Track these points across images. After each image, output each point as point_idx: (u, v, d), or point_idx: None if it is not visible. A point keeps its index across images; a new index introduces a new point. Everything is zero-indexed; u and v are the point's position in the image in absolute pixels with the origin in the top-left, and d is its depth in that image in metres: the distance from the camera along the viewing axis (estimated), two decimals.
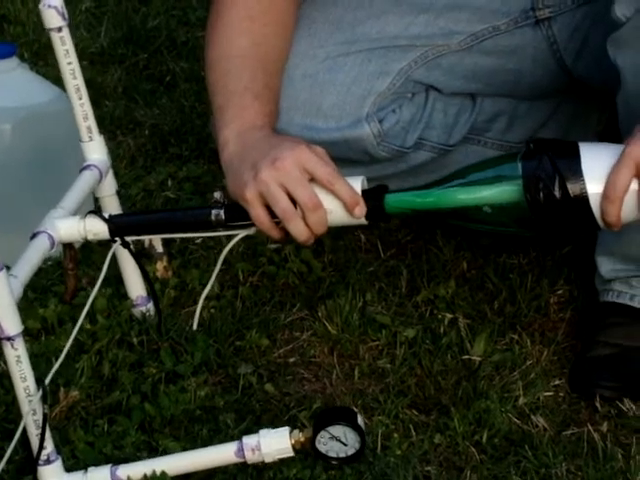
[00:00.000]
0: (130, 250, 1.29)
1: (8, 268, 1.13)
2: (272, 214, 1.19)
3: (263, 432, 1.21)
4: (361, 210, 1.18)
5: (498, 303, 1.50)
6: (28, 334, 1.42)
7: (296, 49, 1.40)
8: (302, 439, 1.20)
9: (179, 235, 1.28)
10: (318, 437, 1.19)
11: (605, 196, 1.12)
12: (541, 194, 1.13)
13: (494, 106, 1.53)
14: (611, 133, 1.53)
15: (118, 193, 1.42)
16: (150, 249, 1.46)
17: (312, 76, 1.40)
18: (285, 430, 1.21)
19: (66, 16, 1.31)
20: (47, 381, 1.16)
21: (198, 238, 1.59)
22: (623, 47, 1.28)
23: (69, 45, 1.32)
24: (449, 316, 1.48)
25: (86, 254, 1.55)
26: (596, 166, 1.13)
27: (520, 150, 1.16)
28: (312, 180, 1.19)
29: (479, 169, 1.19)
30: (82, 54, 2.06)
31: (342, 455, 1.21)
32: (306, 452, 1.23)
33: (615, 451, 1.27)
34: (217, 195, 1.22)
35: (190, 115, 1.94)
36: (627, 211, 1.13)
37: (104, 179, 1.38)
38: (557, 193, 1.13)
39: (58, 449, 1.20)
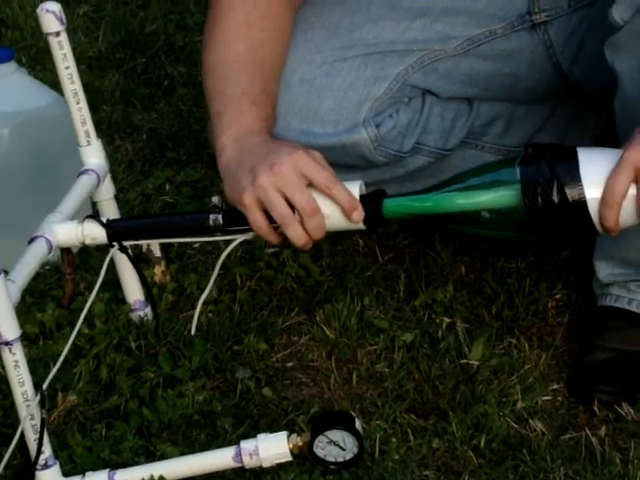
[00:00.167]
0: (128, 255, 1.29)
1: (6, 272, 1.13)
2: (270, 219, 1.19)
3: (261, 437, 1.21)
4: (359, 215, 1.18)
5: (496, 307, 1.50)
6: (26, 339, 1.42)
7: (293, 54, 1.40)
8: (300, 443, 1.20)
9: (177, 240, 1.28)
10: (316, 442, 1.19)
11: (603, 201, 1.12)
12: (539, 199, 1.13)
13: (491, 110, 1.53)
14: (608, 137, 1.53)
15: (116, 197, 1.42)
16: (148, 253, 1.46)
17: (309, 81, 1.41)
18: (283, 435, 1.21)
19: (64, 20, 1.32)
20: (45, 386, 1.16)
21: (196, 243, 1.59)
22: (620, 51, 1.28)
23: (67, 49, 1.33)
24: (447, 320, 1.48)
25: (84, 258, 1.55)
26: (594, 171, 1.13)
27: (518, 154, 1.16)
28: (310, 185, 1.19)
29: (477, 174, 1.19)
30: (80, 58, 2.06)
31: (340, 460, 1.21)
32: (304, 457, 1.23)
33: (613, 455, 1.27)
34: (215, 200, 1.22)
35: (188, 119, 1.94)
36: (625, 216, 1.13)
37: (102, 183, 1.39)
38: (555, 198, 1.13)
39: (56, 454, 1.20)
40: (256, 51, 1.33)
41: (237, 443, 1.21)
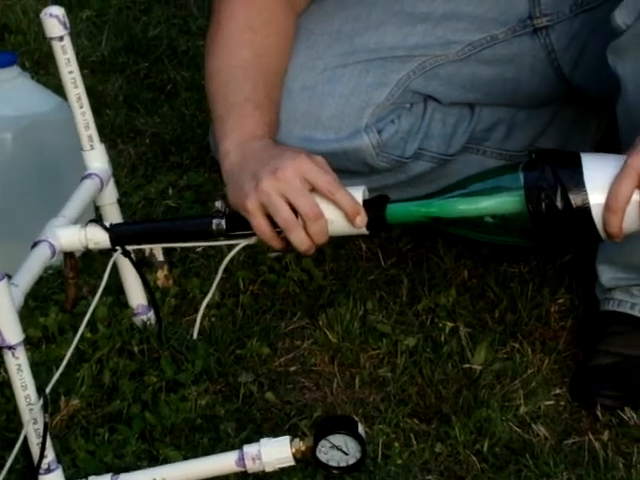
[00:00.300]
0: (131, 259, 1.29)
1: (9, 277, 1.13)
2: (273, 224, 1.19)
3: (264, 441, 1.21)
4: (362, 220, 1.18)
5: (499, 312, 1.50)
6: (29, 343, 1.42)
7: (294, 61, 1.40)
8: (303, 448, 1.20)
9: (180, 244, 1.28)
10: (319, 446, 1.19)
11: (607, 207, 1.12)
12: (543, 205, 1.13)
13: (492, 115, 1.53)
14: (610, 141, 1.54)
15: (119, 202, 1.42)
16: (151, 258, 1.46)
17: (311, 88, 1.41)
18: (286, 439, 1.21)
19: (67, 25, 1.32)
20: (48, 390, 1.16)
21: (199, 247, 1.59)
22: (623, 55, 1.28)
23: (70, 54, 1.33)
24: (450, 325, 1.48)
25: (87, 263, 1.55)
26: (598, 177, 1.13)
27: (522, 160, 1.17)
28: (313, 190, 1.19)
29: (480, 179, 1.19)
30: (83, 63, 2.07)
31: (343, 464, 1.20)
32: (307, 461, 1.22)
33: (616, 460, 1.27)
34: (218, 204, 1.22)
35: (191, 124, 1.94)
36: (629, 222, 1.13)
37: (105, 188, 1.39)
38: (559, 204, 1.13)
39: (59, 458, 1.20)
40: (260, 57, 1.33)
41: (240, 447, 1.21)
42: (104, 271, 1.24)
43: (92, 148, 1.37)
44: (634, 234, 1.15)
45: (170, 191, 1.77)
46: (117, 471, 1.23)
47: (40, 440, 1.16)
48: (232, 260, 1.26)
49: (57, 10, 1.31)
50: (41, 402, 1.15)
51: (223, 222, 1.21)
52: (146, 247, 1.37)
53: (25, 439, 1.16)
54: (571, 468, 1.27)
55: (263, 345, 1.45)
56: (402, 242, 1.64)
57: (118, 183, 1.46)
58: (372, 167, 1.43)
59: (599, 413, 1.34)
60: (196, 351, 1.43)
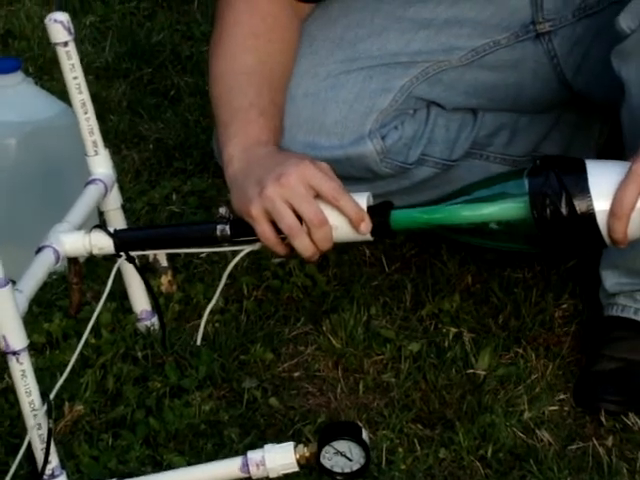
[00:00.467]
0: (135, 265, 1.29)
1: (13, 282, 1.13)
2: (278, 230, 1.19)
3: (268, 447, 1.21)
4: (367, 226, 1.18)
5: (503, 317, 1.50)
6: (33, 348, 1.42)
7: (297, 68, 1.40)
8: (307, 454, 1.20)
9: (184, 250, 1.28)
10: (323, 452, 1.19)
11: (612, 213, 1.12)
12: (548, 211, 1.13)
13: (495, 120, 1.53)
14: (613, 145, 1.54)
15: (123, 207, 1.42)
16: (155, 263, 1.46)
17: (314, 94, 1.41)
18: (290, 445, 1.20)
19: (72, 31, 1.32)
20: (52, 395, 1.16)
21: (203, 253, 1.59)
22: (628, 59, 1.28)
23: (75, 59, 1.33)
24: (454, 330, 1.48)
25: (91, 268, 1.55)
26: (603, 183, 1.13)
27: (526, 166, 1.16)
28: (317, 196, 1.19)
29: (485, 186, 1.19)
30: (87, 68, 2.05)
31: (347, 470, 1.20)
32: (311, 467, 1.22)
33: (620, 466, 1.27)
34: (222, 210, 1.22)
35: (194, 129, 1.95)
36: (634, 228, 1.13)
37: (109, 193, 1.39)
38: (564, 210, 1.13)
39: (63, 463, 1.20)
40: (264, 63, 1.33)
41: (244, 453, 1.21)
42: (108, 277, 1.25)
43: (96, 154, 1.38)
44: (639, 240, 1.15)
45: (174, 197, 1.77)
46: (121, 477, 1.23)
47: (44, 446, 1.16)
48: (236, 266, 1.26)
49: (62, 16, 1.31)
50: (45, 408, 1.15)
51: (227, 228, 1.21)
52: (150, 253, 1.37)
53: (29, 445, 1.16)
54: (575, 474, 1.27)
55: (267, 351, 1.45)
56: (406, 248, 1.64)
57: (122, 189, 1.46)
58: (376, 173, 1.43)
59: (603, 418, 1.34)
60: (200, 357, 1.43)
